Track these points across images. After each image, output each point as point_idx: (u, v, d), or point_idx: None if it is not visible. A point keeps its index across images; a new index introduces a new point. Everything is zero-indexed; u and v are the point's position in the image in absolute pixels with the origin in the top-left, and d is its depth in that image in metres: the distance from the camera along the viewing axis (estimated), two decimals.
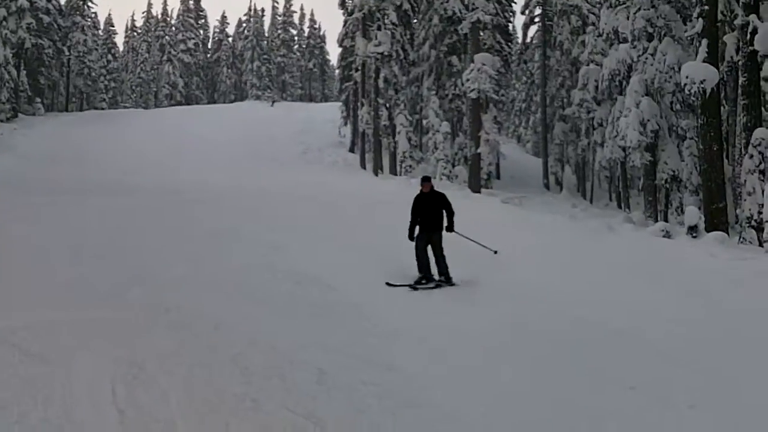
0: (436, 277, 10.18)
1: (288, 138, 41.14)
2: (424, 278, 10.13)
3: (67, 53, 55.56)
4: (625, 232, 17.86)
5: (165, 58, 79.13)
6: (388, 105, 34.64)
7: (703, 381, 6.02)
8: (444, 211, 10.50)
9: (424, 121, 34.87)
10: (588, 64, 30.22)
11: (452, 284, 10.05)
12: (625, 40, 24.40)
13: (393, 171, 34.11)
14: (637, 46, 23.15)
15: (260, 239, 11.83)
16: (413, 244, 10.45)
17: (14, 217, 12.55)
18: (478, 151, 28.84)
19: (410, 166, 32.59)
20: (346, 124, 44.09)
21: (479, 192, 27.35)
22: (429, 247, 10.32)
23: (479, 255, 11.53)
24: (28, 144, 30.78)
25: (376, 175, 33.02)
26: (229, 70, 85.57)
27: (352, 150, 40.82)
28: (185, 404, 4.86)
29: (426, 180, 10.87)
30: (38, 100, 49.07)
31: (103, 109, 61.77)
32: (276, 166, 29.06)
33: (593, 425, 5.10)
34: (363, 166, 36.33)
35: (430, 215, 10.50)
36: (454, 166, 31.59)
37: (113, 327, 6.42)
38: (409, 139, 33.37)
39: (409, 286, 9.80)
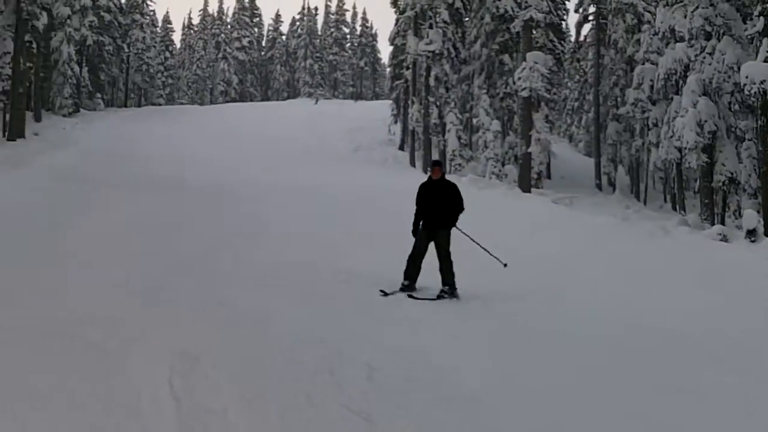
0: (408, 288, 8.77)
1: (339, 135, 41.44)
2: (408, 287, 8.75)
3: (126, 50, 57.02)
4: (681, 235, 17.53)
5: (220, 55, 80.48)
6: (438, 103, 34.61)
7: (762, 389, 5.93)
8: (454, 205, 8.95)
9: (474, 120, 34.74)
10: (643, 63, 29.70)
11: (455, 297, 8.62)
12: (682, 39, 23.89)
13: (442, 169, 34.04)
14: (694, 45, 22.66)
15: (312, 236, 11.99)
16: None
17: (75, 210, 12.96)
18: (529, 150, 28.60)
19: (460, 164, 32.50)
20: (396, 122, 44.22)
21: (529, 192, 27.14)
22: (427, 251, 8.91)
23: (524, 256, 11.49)
24: (89, 139, 31.65)
25: (426, 173, 33.02)
26: (283, 68, 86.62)
27: (401, 148, 40.91)
28: (239, 396, 5.00)
29: (436, 164, 9.31)
30: (98, 95, 50.50)
31: (160, 104, 63.22)
32: (328, 164, 29.31)
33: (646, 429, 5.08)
34: (413, 164, 36.38)
35: (436, 208, 8.85)
36: (503, 165, 31.41)
37: (169, 319, 6.61)
38: (459, 138, 33.28)
39: (404, 292, 8.65)
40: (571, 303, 8.72)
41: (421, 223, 8.96)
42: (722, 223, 21.53)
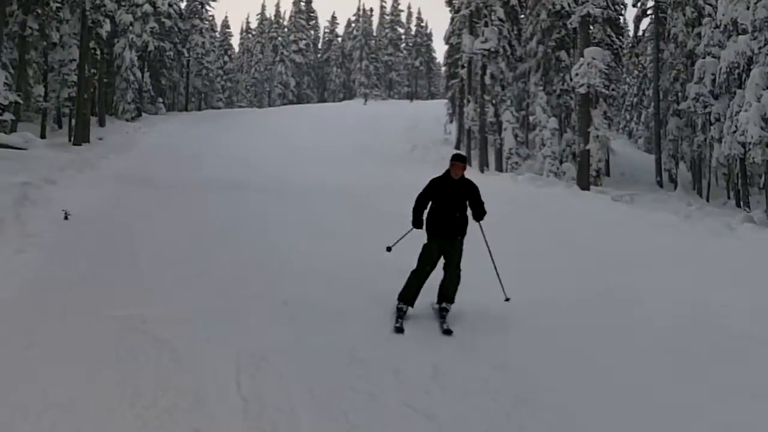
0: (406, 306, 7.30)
1: (395, 136, 41.56)
2: (405, 314, 7.25)
3: (186, 55, 58.33)
4: (745, 232, 17.10)
5: (278, 58, 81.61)
6: (494, 101, 34.47)
7: None
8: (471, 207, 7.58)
9: (531, 118, 34.46)
10: (704, 57, 28.95)
11: (444, 317, 7.28)
12: (745, 32, 23.27)
13: (499, 168, 33.93)
14: (758, 38, 22.05)
15: (373, 237, 12.02)
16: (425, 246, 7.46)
17: (140, 211, 13.33)
18: (587, 147, 28.25)
19: (516, 162, 32.35)
20: (451, 121, 44.19)
21: (588, 189, 26.82)
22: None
23: (588, 254, 11.40)
24: (151, 143, 32.43)
25: (482, 172, 32.90)
26: (339, 70, 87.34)
27: (457, 147, 40.83)
28: (305, 395, 5.15)
29: (460, 159, 7.68)
30: (160, 100, 51.91)
31: (219, 108, 64.41)
32: (384, 164, 29.42)
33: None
34: (469, 163, 36.22)
35: (452, 212, 7.39)
36: (561, 162, 31.09)
37: (235, 318, 6.79)
38: (516, 136, 33.11)
39: (403, 320, 7.15)
40: (647, 305, 8.52)
41: (425, 223, 7.53)
42: None
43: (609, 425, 5.12)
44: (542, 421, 5.09)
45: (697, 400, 5.60)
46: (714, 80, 26.90)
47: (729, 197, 32.60)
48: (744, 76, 23.67)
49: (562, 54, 33.45)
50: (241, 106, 71.63)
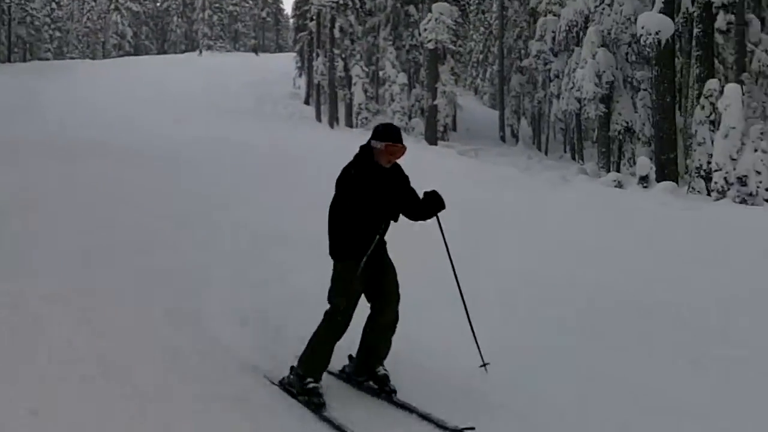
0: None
1: (242, 89, 40.38)
2: (319, 394, 4.34)
3: (7, 1, 53.45)
4: (579, 183, 18.14)
5: (112, 6, 76.73)
6: (343, 56, 34.25)
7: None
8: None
9: (381, 73, 34.61)
10: (546, 15, 30.09)
11: (388, 387, 4.50)
12: None
13: (349, 123, 33.88)
14: None
15: (243, 198, 11.53)
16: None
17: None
18: (435, 102, 28.75)
19: (366, 118, 32.39)
20: (300, 75, 43.57)
21: (436, 144, 27.37)
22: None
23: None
24: None
25: (332, 127, 32.74)
26: (180, 19, 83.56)
27: (307, 102, 40.43)
28: (175, 360, 4.87)
29: (398, 139, 4.56)
30: None
31: (48, 59, 59.86)
32: (233, 119, 28.38)
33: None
34: (318, 118, 35.98)
35: (387, 218, 4.58)
36: (410, 118, 31.51)
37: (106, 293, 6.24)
38: (365, 91, 33.10)
39: (317, 405, 4.30)
40: (504, 263, 8.60)
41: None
42: (617, 170, 22.35)
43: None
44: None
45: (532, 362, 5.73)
46: (554, 38, 28.02)
47: (566, 151, 34.49)
48: (582, 34, 24.80)
49: (411, 9, 33.63)
50: (72, 58, 66.96)
